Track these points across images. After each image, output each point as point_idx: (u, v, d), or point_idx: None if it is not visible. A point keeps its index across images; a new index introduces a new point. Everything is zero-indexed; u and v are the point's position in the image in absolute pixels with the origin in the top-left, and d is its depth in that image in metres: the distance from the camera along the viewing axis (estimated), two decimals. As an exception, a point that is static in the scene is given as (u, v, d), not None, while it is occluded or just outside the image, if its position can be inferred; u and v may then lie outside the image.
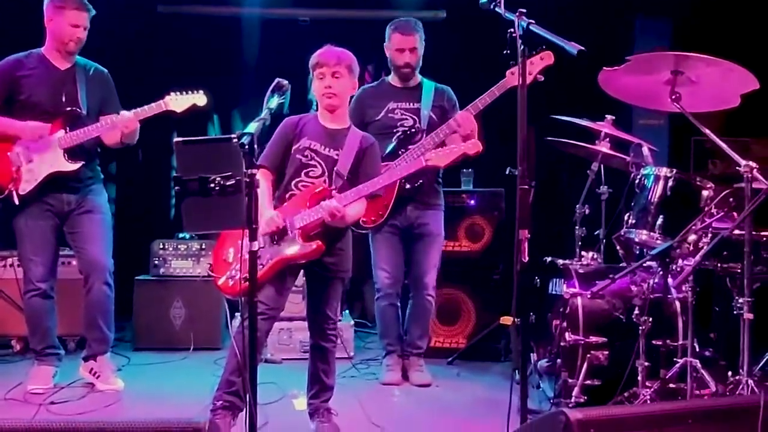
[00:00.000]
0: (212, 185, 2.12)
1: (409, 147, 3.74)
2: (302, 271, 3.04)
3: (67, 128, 3.54)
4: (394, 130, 3.81)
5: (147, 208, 5.55)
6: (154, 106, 3.53)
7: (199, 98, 3.60)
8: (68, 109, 3.55)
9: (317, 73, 2.97)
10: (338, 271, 3.01)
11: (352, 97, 3.19)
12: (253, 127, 2.25)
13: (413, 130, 3.83)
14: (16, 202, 3.50)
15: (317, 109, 3.08)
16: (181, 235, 4.72)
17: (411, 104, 3.88)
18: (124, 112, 3.52)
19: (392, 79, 3.98)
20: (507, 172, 4.00)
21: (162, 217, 5.56)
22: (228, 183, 2.10)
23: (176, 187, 2.17)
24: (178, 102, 3.56)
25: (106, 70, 3.75)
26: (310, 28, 5.49)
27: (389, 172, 3.10)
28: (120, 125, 3.52)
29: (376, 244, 3.94)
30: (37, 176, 3.51)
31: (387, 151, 3.76)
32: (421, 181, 3.82)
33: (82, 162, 3.57)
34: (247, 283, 2.71)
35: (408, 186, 3.80)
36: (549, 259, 3.59)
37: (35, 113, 3.53)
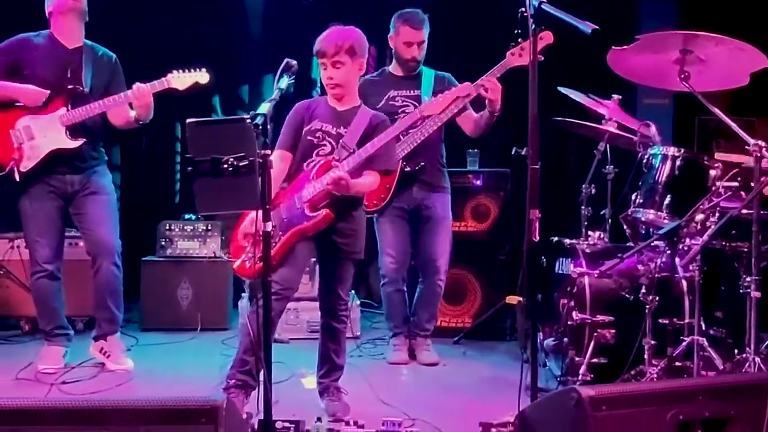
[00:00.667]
0: (225, 166, 2.12)
1: (410, 131, 3.73)
2: (314, 251, 3.05)
3: (69, 106, 3.53)
4: (395, 117, 3.79)
5: (153, 190, 5.55)
6: (156, 83, 3.51)
7: (202, 76, 3.59)
8: (70, 87, 3.54)
9: (320, 62, 2.98)
10: (351, 252, 3.01)
11: (362, 76, 3.14)
12: (265, 107, 2.25)
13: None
14: (17, 179, 3.49)
15: (325, 91, 3.08)
16: (187, 216, 4.73)
17: (411, 91, 3.88)
18: (138, 84, 3.50)
19: (393, 68, 3.97)
20: (513, 153, 4.02)
21: (168, 199, 5.57)
22: (241, 164, 2.11)
23: (189, 168, 2.17)
24: (180, 80, 3.55)
25: (114, 56, 3.75)
26: (313, 6, 5.45)
27: (386, 131, 3.04)
28: (132, 97, 3.50)
29: (381, 228, 3.94)
30: (39, 153, 3.50)
31: None
32: (422, 163, 3.82)
33: (84, 140, 3.56)
34: (261, 263, 2.77)
35: (408, 168, 3.80)
36: (556, 238, 3.61)
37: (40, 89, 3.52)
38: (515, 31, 2.42)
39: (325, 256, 3.05)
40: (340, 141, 2.94)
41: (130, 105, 3.59)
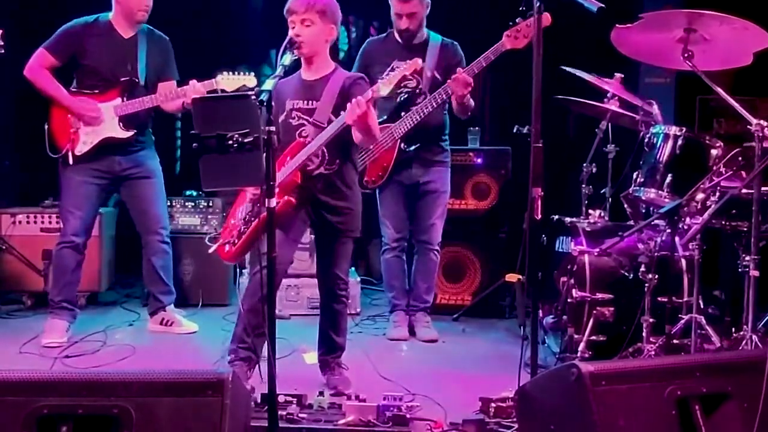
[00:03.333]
0: (230, 142, 2.13)
1: (411, 108, 3.73)
2: (310, 229, 3.06)
3: (125, 97, 3.69)
4: (397, 91, 3.79)
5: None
6: (206, 83, 3.69)
7: (249, 80, 3.75)
8: (126, 78, 3.70)
9: (289, 21, 2.86)
10: (346, 230, 2.99)
11: (336, 43, 3.10)
12: (270, 83, 2.25)
13: (416, 91, 3.80)
14: (71, 162, 3.67)
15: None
16: (188, 193, 4.74)
17: None
18: (194, 83, 3.67)
19: (398, 35, 3.95)
20: (514, 131, 4.03)
21: (169, 175, 5.54)
22: (246, 140, 2.11)
23: (194, 144, 2.18)
24: (229, 82, 3.72)
25: (167, 38, 3.90)
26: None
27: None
28: (188, 95, 3.64)
29: (380, 200, 3.99)
30: (93, 139, 3.69)
31: (389, 113, 3.76)
32: (418, 144, 3.81)
33: (135, 131, 3.74)
34: (234, 247, 2.82)
35: (405, 147, 3.80)
36: (556, 217, 3.63)
37: (96, 79, 3.70)
38: (520, 8, 2.41)
39: (321, 235, 3.03)
40: (311, 119, 2.87)
41: None
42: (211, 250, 3.00)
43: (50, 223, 4.42)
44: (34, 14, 4.68)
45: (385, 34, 4.06)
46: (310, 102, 2.90)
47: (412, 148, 3.81)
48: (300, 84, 2.94)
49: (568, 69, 3.56)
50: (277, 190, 2.74)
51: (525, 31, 3.36)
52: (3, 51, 3.47)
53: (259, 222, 2.77)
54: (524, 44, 3.37)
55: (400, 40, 3.91)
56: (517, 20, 3.34)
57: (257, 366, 2.98)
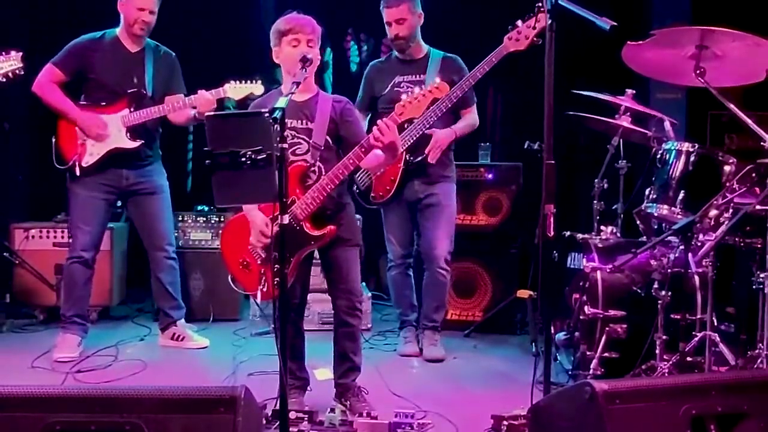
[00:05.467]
0: (243, 159, 2.14)
1: (414, 119, 3.69)
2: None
3: (132, 108, 3.72)
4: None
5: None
6: (213, 92, 3.70)
7: (257, 88, 3.76)
8: (133, 90, 3.73)
9: (290, 39, 2.83)
10: (349, 239, 2.94)
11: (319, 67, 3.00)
12: (283, 101, 2.26)
13: None
14: (78, 174, 3.69)
15: (281, 83, 3.00)
16: (200, 208, 4.76)
17: (416, 77, 3.83)
18: (202, 92, 3.69)
19: (395, 48, 3.93)
20: (525, 146, 4.02)
21: (180, 190, 5.58)
22: (259, 157, 2.12)
23: (207, 161, 2.19)
24: (236, 90, 3.74)
25: (173, 53, 3.95)
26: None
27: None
28: (195, 104, 3.69)
29: (385, 216, 3.98)
30: (100, 150, 3.71)
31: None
32: (420, 157, 3.76)
33: (142, 141, 3.76)
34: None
35: (411, 158, 3.76)
36: (568, 233, 3.61)
37: (104, 92, 3.73)
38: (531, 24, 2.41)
39: (324, 250, 2.95)
40: (310, 142, 2.85)
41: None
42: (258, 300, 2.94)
43: (62, 237, 4.45)
44: (49, 32, 4.73)
45: (385, 57, 4.08)
46: (304, 122, 2.89)
47: (419, 159, 3.78)
48: (292, 104, 2.85)
49: (579, 92, 3.55)
50: (305, 223, 2.80)
51: (526, 32, 3.33)
52: (23, 72, 3.52)
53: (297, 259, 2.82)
54: (526, 45, 3.35)
55: (400, 56, 3.91)
56: (516, 23, 3.34)
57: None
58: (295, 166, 2.81)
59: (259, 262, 2.88)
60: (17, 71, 3.44)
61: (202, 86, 3.75)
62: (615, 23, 2.20)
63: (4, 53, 3.39)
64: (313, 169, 2.84)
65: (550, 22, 2.37)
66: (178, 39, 4.17)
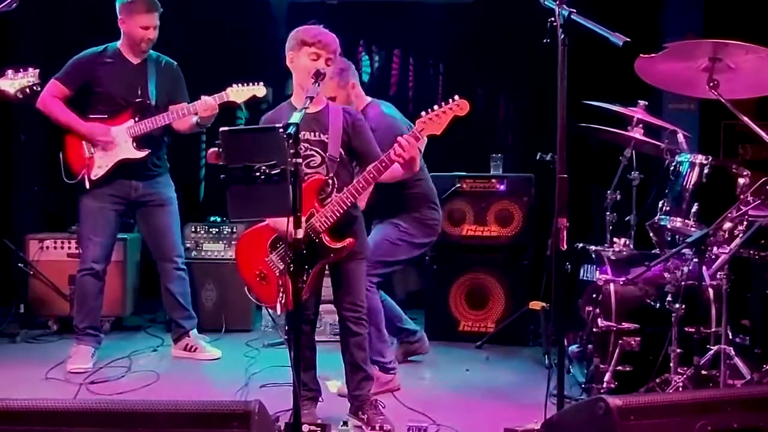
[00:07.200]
0: (257, 174, 2.15)
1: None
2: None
3: (137, 118, 3.75)
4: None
5: (178, 193, 5.57)
6: (216, 96, 3.71)
7: (259, 90, 3.77)
8: (137, 100, 3.76)
9: (311, 52, 2.82)
10: (359, 252, 2.94)
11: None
12: (297, 117, 2.28)
13: None
14: (87, 187, 3.73)
15: (291, 94, 2.99)
16: (212, 219, 4.79)
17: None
18: (205, 98, 3.70)
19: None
20: (537, 158, 4.02)
21: (193, 202, 5.62)
22: (273, 171, 2.14)
23: (222, 176, 2.21)
24: (239, 93, 3.75)
25: (176, 63, 3.97)
26: (338, 8, 5.48)
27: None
28: (198, 110, 3.70)
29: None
30: (108, 162, 3.75)
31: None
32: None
33: (149, 150, 3.79)
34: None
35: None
36: (580, 245, 3.60)
37: (109, 105, 3.76)
38: (544, 41, 2.42)
39: (337, 263, 2.94)
40: (326, 155, 2.85)
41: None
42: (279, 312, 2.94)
43: (77, 248, 4.45)
44: (62, 48, 4.78)
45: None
46: (317, 134, 2.89)
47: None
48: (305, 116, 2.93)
49: (590, 102, 3.55)
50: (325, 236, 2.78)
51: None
52: (39, 89, 3.56)
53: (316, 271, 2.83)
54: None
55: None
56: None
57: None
58: (313, 180, 2.81)
59: (277, 273, 2.87)
60: (35, 87, 3.48)
61: (207, 93, 3.76)
62: (628, 39, 2.20)
63: (22, 69, 3.43)
64: (329, 182, 2.85)
65: (562, 37, 2.37)
66: (181, 47, 4.20)
